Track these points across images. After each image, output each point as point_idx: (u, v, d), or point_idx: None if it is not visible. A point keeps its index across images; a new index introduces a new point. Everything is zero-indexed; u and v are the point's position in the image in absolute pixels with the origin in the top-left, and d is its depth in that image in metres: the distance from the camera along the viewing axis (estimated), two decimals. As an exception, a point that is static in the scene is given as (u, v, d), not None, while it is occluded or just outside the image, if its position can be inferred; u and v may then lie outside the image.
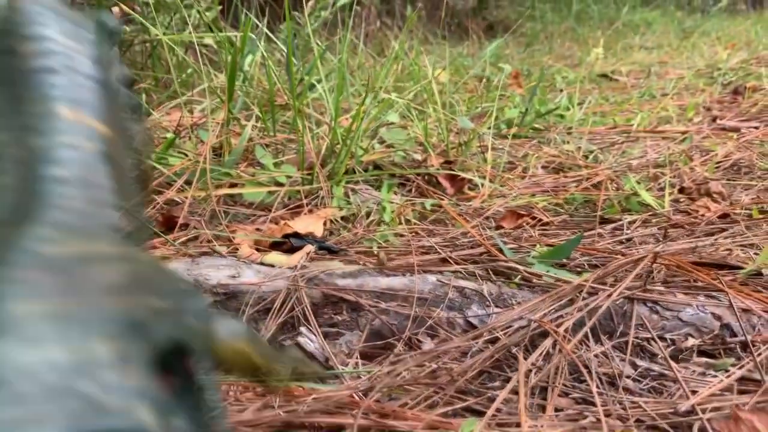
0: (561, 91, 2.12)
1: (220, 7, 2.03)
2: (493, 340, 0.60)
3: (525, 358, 0.57)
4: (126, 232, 0.26)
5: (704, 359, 0.60)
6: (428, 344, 0.60)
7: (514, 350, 0.59)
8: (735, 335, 0.62)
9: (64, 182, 0.24)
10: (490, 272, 0.79)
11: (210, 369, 0.25)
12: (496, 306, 0.64)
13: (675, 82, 2.26)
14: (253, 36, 1.20)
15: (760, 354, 0.57)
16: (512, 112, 1.69)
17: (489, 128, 1.32)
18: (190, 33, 1.69)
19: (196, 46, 1.92)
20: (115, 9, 1.90)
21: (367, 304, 0.63)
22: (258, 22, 1.71)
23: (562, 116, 1.73)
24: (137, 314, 0.19)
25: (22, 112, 0.26)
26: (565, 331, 0.60)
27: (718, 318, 0.63)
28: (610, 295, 0.63)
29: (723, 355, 0.60)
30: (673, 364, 0.58)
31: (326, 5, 2.43)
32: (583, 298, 0.64)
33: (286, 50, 1.47)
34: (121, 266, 0.21)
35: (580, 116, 1.71)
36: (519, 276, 0.73)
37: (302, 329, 0.60)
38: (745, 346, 0.60)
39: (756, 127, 1.59)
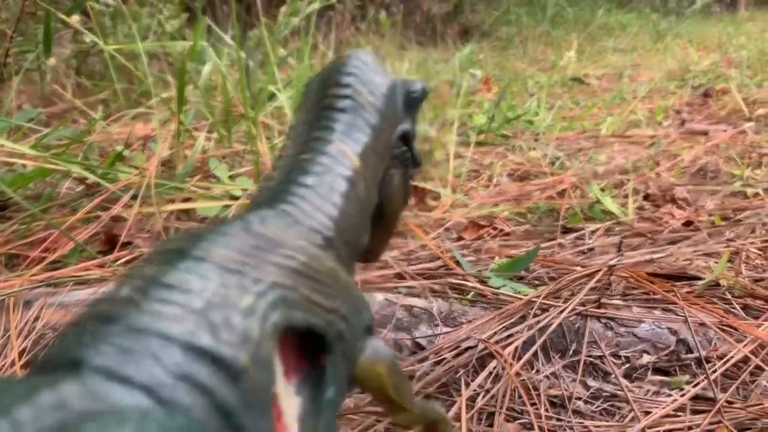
0: (531, 95, 2.10)
1: (187, 15, 1.99)
2: (440, 362, 0.57)
3: (471, 381, 0.55)
4: (331, 242, 0.30)
5: (659, 377, 0.58)
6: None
7: (461, 372, 0.56)
8: (690, 351, 0.60)
9: (305, 187, 0.30)
10: (447, 287, 0.77)
11: (344, 377, 0.27)
12: (445, 325, 0.62)
13: (646, 84, 2.25)
14: (206, 44, 1.16)
15: (714, 371, 0.55)
16: (480, 118, 1.67)
17: (453, 136, 1.30)
18: (153, 41, 1.65)
19: (161, 56, 1.89)
20: (75, 17, 1.86)
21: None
22: (218, 30, 1.67)
23: (531, 122, 1.71)
24: (290, 293, 0.23)
25: (309, 134, 0.33)
26: (515, 350, 0.57)
27: (674, 333, 0.61)
28: (562, 311, 0.61)
29: (678, 373, 0.58)
30: (625, 383, 0.56)
31: (297, 11, 2.40)
32: (534, 315, 0.61)
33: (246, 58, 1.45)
34: (302, 258, 0.25)
35: (549, 122, 1.69)
36: (472, 292, 0.71)
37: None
38: (700, 362, 0.58)
39: (724, 130, 1.59)
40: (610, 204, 1.03)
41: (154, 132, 1.12)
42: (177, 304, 0.19)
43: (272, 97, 1.43)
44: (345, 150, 0.33)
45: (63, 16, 1.19)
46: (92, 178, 0.90)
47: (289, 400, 0.24)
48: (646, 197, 1.13)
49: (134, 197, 0.89)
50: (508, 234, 0.98)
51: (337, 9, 3.53)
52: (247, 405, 0.19)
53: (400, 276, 0.80)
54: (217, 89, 1.30)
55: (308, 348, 0.25)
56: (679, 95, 2.14)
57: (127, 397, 0.16)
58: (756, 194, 1.09)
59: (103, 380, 0.16)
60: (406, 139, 0.40)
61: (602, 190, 1.13)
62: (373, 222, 0.39)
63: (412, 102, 0.40)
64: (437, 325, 0.61)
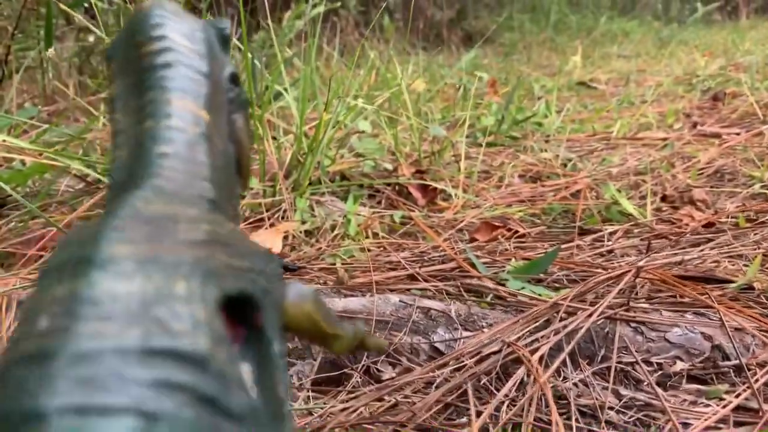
0: (539, 99, 2.07)
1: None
2: (461, 369, 0.54)
3: (497, 389, 0.51)
4: (216, 203, 0.29)
5: (695, 386, 0.54)
6: (388, 374, 0.54)
7: (484, 380, 0.52)
8: (728, 358, 0.56)
9: (167, 157, 0.28)
10: (461, 289, 0.73)
11: (279, 328, 0.27)
12: (465, 329, 0.58)
13: (654, 89, 2.22)
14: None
15: (757, 380, 0.52)
16: (488, 120, 1.64)
17: (463, 136, 1.26)
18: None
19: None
20: (79, 17, 1.83)
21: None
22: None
23: (539, 124, 1.68)
24: (212, 265, 0.22)
25: (140, 99, 0.30)
26: (541, 357, 0.53)
27: (709, 338, 0.58)
28: (590, 315, 0.57)
29: (715, 381, 0.54)
30: (660, 391, 0.52)
31: (301, 14, 2.37)
32: (561, 319, 0.58)
33: (253, 58, 1.41)
34: (204, 227, 0.24)
35: (558, 124, 1.66)
36: (491, 295, 0.67)
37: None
38: (739, 370, 0.54)
39: (737, 133, 1.55)
40: (627, 205, 0.99)
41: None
42: (112, 315, 0.18)
43: (278, 96, 1.40)
44: (188, 106, 0.30)
45: (67, 9, 1.16)
46: (92, 174, 0.87)
47: (240, 369, 0.23)
48: (664, 198, 1.09)
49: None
50: (523, 235, 0.95)
51: (341, 15, 3.50)
52: (224, 387, 0.18)
53: (412, 278, 0.76)
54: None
55: (240, 312, 0.25)
56: (688, 99, 2.11)
57: (114, 426, 0.15)
58: (777, 197, 1.06)
59: (79, 420, 0.15)
60: (235, 79, 0.38)
61: (618, 190, 1.10)
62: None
63: (226, 40, 0.37)
64: (456, 329, 0.58)
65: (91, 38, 1.69)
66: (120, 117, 0.31)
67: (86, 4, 1.82)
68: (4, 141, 0.84)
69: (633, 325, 0.58)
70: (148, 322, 0.18)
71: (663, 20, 5.58)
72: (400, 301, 0.60)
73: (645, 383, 0.53)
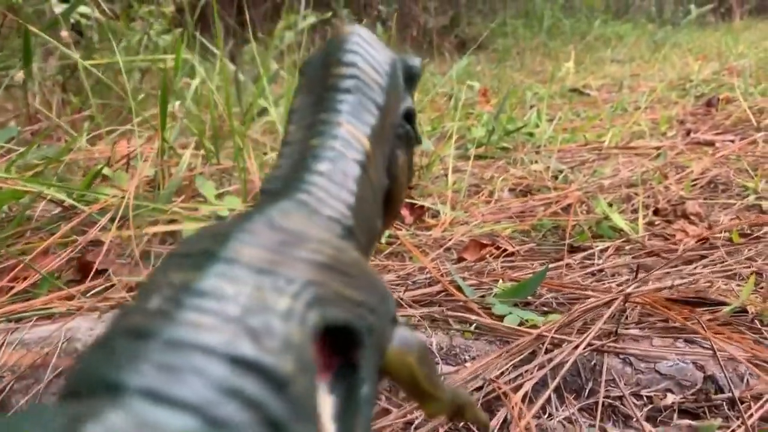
0: (531, 107, 2.05)
1: (180, 30, 1.94)
2: (443, 406, 0.51)
3: (477, 429, 0.49)
4: (351, 231, 0.29)
5: (686, 420, 0.52)
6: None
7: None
8: (721, 390, 0.54)
9: (321, 175, 0.29)
10: (447, 316, 0.71)
11: (375, 371, 0.26)
12: (446, 363, 0.56)
13: (647, 95, 2.20)
14: (193, 58, 1.11)
15: (751, 414, 0.49)
16: (479, 131, 1.62)
17: (451, 149, 1.24)
18: (144, 57, 1.60)
19: (155, 71, 1.83)
20: (64, 33, 1.81)
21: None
22: (210, 45, 1.62)
23: (531, 134, 1.66)
24: (324, 290, 0.22)
25: (314, 117, 0.32)
26: (525, 394, 0.51)
27: (701, 368, 0.55)
28: (576, 347, 0.55)
29: (708, 415, 0.52)
30: (649, 428, 0.50)
31: (291, 25, 2.36)
32: (546, 351, 0.55)
33: (240, 73, 1.39)
34: (328, 251, 0.24)
35: (550, 133, 1.64)
36: (475, 323, 0.65)
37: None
38: (732, 403, 0.52)
39: (732, 141, 1.53)
40: (619, 220, 0.97)
41: (140, 150, 1.06)
42: (213, 313, 0.18)
43: (264, 112, 1.38)
44: (354, 132, 0.31)
45: (38, 31, 1.14)
46: (68, 201, 0.85)
47: (323, 400, 0.23)
48: (656, 212, 1.07)
49: (112, 220, 0.83)
50: (512, 254, 0.93)
51: (334, 25, 3.48)
52: (295, 414, 0.18)
53: (396, 303, 0.74)
54: (207, 105, 1.25)
55: (338, 343, 0.24)
56: (682, 105, 2.09)
57: (177, 420, 0.15)
58: (772, 208, 1.04)
59: (149, 404, 0.15)
60: (410, 116, 0.38)
61: (609, 204, 1.07)
62: (383, 205, 0.38)
63: (412, 78, 0.38)
64: (437, 364, 0.55)
65: (77, 55, 1.66)
66: (293, 129, 0.32)
67: (72, 21, 1.80)
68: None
69: (622, 356, 0.56)
70: (242, 329, 0.18)
71: (657, 23, 5.58)
72: (379, 333, 0.57)
73: (634, 419, 0.51)
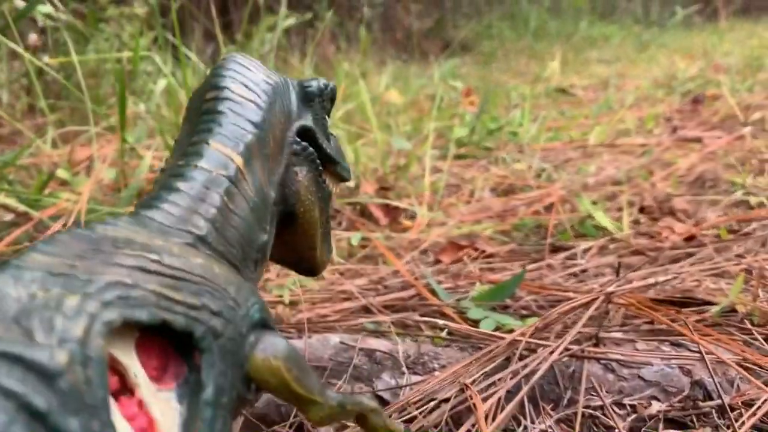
0: (515, 107, 2.01)
1: (153, 33, 1.89)
2: (409, 421, 0.47)
3: (444, 445, 0.44)
4: (204, 240, 0.30)
5: (673, 431, 0.47)
6: (324, 430, 0.47)
7: (431, 434, 0.45)
8: (710, 396, 0.49)
9: (176, 192, 0.30)
10: (418, 321, 0.67)
11: (229, 376, 0.26)
12: (414, 372, 0.51)
13: (633, 93, 2.17)
14: (156, 57, 1.06)
15: (742, 423, 0.45)
16: (461, 130, 1.58)
17: (428, 148, 1.20)
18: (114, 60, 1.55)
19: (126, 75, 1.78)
20: (33, 36, 1.75)
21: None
22: (183, 47, 1.57)
23: (514, 133, 1.62)
24: (134, 291, 0.23)
25: (188, 142, 0.33)
26: (498, 401, 0.47)
27: (688, 373, 0.51)
28: (552, 352, 0.50)
29: (696, 424, 0.48)
30: (633, 440, 0.45)
31: (273, 26, 2.31)
32: (521, 357, 0.51)
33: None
34: (156, 257, 0.25)
35: (533, 132, 1.60)
36: (446, 330, 0.60)
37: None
38: (722, 410, 0.48)
39: (719, 137, 1.50)
40: (603, 218, 0.93)
41: (99, 152, 1.01)
42: None
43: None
44: (223, 150, 0.33)
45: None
46: (20, 206, 0.80)
47: (165, 407, 0.24)
48: (642, 210, 1.03)
49: (66, 225, 0.79)
50: (491, 255, 0.88)
51: (316, 27, 3.44)
52: (63, 405, 0.18)
53: (366, 309, 0.69)
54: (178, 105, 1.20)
55: (184, 350, 0.25)
56: (668, 103, 2.06)
57: None
58: (761, 203, 1.00)
59: None
60: (306, 135, 0.39)
61: (594, 203, 1.03)
62: (284, 225, 0.38)
63: (308, 96, 0.40)
64: (403, 374, 0.51)
65: (46, 58, 1.61)
66: (171, 159, 0.34)
67: (40, 23, 1.75)
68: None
69: (603, 361, 0.52)
70: (14, 327, 0.19)
71: (643, 24, 5.57)
72: (340, 342, 0.53)
73: (616, 430, 0.47)
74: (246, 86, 0.36)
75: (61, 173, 0.89)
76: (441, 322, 0.63)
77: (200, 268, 0.27)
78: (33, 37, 1.79)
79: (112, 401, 0.21)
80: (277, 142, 0.37)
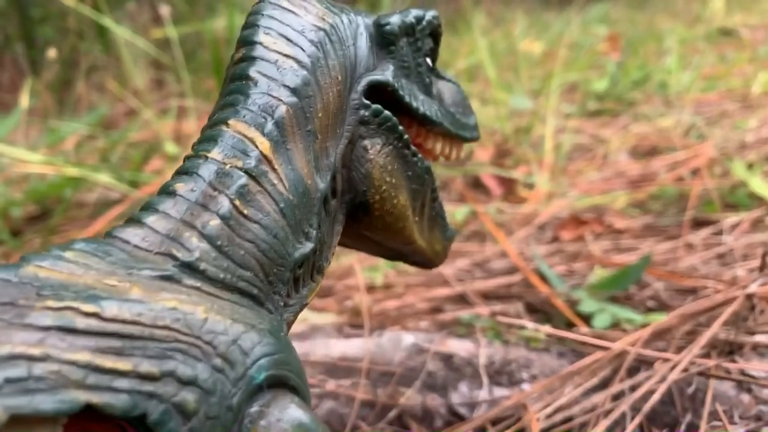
0: (667, 53, 1.80)
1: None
2: (486, 443, 0.40)
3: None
4: (191, 267, 0.23)
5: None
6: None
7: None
8: None
9: (172, 197, 0.24)
10: (526, 312, 0.59)
11: None
12: (497, 383, 0.44)
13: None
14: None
15: None
16: (600, 83, 1.43)
17: (559, 106, 1.08)
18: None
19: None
20: (164, 8, 1.80)
21: (310, 383, 0.44)
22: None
23: (664, 84, 1.44)
24: (44, 367, 0.18)
25: (210, 122, 0.27)
26: (594, 424, 0.38)
27: None
28: (673, 368, 0.41)
29: None
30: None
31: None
32: (630, 372, 0.42)
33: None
34: (95, 308, 0.20)
35: (686, 81, 1.41)
36: (546, 330, 0.52)
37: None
38: None
39: None
40: (759, 186, 0.78)
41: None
42: None
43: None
44: (245, 132, 0.26)
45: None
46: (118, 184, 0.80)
47: None
48: (813, 174, 0.86)
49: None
50: (619, 231, 0.77)
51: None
52: None
53: (461, 298, 0.62)
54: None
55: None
56: None
57: None
58: None
59: None
60: (382, 93, 0.30)
61: (750, 166, 0.88)
62: (355, 219, 0.30)
63: (386, 39, 0.30)
64: (482, 385, 0.43)
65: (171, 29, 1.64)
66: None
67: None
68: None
69: (736, 377, 0.41)
70: None
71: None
72: (413, 343, 0.46)
73: (750, 474, 0.37)
74: (286, 38, 0.28)
75: (169, 147, 0.88)
76: (551, 312, 0.54)
77: (170, 316, 0.21)
78: (165, 9, 1.84)
79: None
80: (333, 110, 0.28)
